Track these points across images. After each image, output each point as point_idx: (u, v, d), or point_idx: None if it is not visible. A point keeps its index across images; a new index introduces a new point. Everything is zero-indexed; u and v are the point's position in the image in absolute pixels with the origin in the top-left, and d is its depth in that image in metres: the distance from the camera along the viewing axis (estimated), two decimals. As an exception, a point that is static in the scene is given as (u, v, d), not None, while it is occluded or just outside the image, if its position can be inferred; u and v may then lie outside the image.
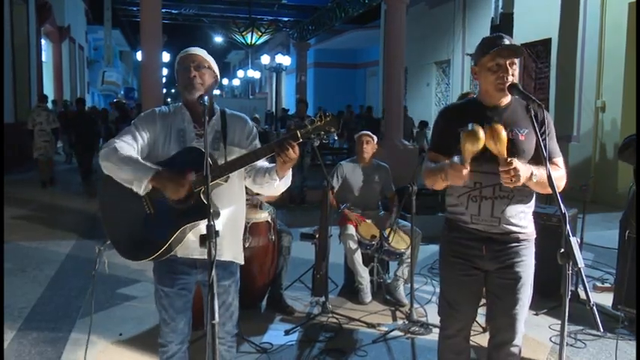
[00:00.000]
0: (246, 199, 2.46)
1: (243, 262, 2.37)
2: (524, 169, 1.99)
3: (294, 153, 2.00)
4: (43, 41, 16.94)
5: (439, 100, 16.19)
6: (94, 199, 9.02)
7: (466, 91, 9.17)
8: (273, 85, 25.39)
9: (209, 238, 1.70)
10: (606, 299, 4.07)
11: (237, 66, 40.01)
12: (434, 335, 3.63)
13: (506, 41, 2.12)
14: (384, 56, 16.78)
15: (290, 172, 2.16)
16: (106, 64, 26.03)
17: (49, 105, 12.28)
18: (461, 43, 14.22)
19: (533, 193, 2.26)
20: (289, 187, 2.26)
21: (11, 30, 12.99)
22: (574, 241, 1.74)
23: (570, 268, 1.74)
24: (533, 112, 2.03)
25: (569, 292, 1.77)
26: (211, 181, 1.98)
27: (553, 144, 2.21)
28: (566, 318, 1.81)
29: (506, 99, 2.22)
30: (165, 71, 17.89)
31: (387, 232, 4.21)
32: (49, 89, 17.11)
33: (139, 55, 23.18)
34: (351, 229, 4.32)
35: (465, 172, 2.01)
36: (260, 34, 20.00)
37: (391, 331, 3.69)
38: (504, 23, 9.14)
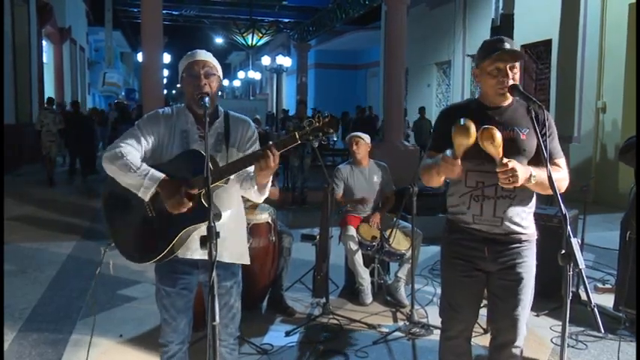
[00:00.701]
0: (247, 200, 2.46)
1: (248, 262, 2.37)
2: (522, 170, 1.98)
3: (272, 161, 1.97)
4: (44, 42, 16.96)
5: (440, 101, 16.19)
6: (92, 199, 9.04)
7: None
8: (273, 86, 25.41)
9: (209, 240, 1.69)
10: (607, 300, 4.07)
11: (238, 67, 40.04)
12: (435, 336, 3.63)
13: (507, 45, 2.11)
14: (384, 57, 16.80)
15: (269, 185, 2.15)
16: (107, 66, 26.05)
17: (54, 107, 12.86)
18: (461, 44, 14.21)
19: (534, 193, 2.25)
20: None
21: (12, 31, 13.00)
22: (575, 242, 1.73)
23: (571, 269, 1.74)
24: (533, 112, 2.03)
25: (570, 294, 1.76)
26: (212, 184, 1.99)
27: (555, 145, 2.20)
28: (567, 319, 1.81)
29: (508, 99, 2.21)
30: (165, 72, 17.90)
31: (387, 233, 4.20)
32: (49, 90, 17.13)
33: (139, 57, 23.23)
34: (352, 230, 4.31)
35: (457, 165, 1.99)
36: (261, 35, 20.02)
37: (392, 332, 3.69)
38: (505, 24, 9.14)
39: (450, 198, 2.34)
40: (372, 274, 4.39)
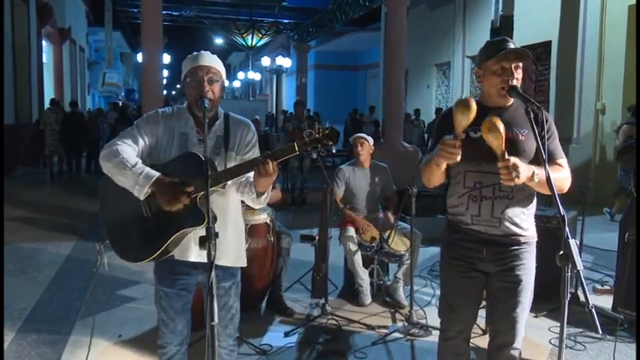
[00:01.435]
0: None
1: (245, 264, 2.37)
2: (524, 167, 1.98)
3: (271, 168, 1.98)
4: (43, 43, 16.93)
5: (439, 102, 16.20)
6: (91, 200, 9.03)
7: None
8: (273, 87, 25.39)
9: (208, 240, 1.69)
10: (606, 302, 4.07)
11: (238, 67, 40.02)
12: (433, 337, 3.63)
13: (511, 45, 2.13)
14: (384, 58, 16.80)
15: (267, 194, 2.16)
16: (106, 66, 26.04)
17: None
18: (461, 46, 14.22)
19: (534, 195, 2.26)
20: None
21: (12, 31, 12.99)
22: (573, 244, 1.74)
23: (569, 271, 1.74)
24: (532, 114, 2.03)
25: (569, 295, 1.77)
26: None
27: (556, 145, 2.20)
28: (566, 320, 1.81)
29: (509, 101, 2.22)
30: (165, 73, 17.90)
31: (386, 234, 4.21)
32: (49, 91, 17.11)
33: (139, 57, 23.22)
34: (351, 231, 4.32)
35: (458, 146, 1.98)
36: (260, 35, 20.02)
37: (391, 333, 3.69)
38: (504, 26, 9.15)
39: (449, 199, 2.34)
40: (371, 275, 4.39)
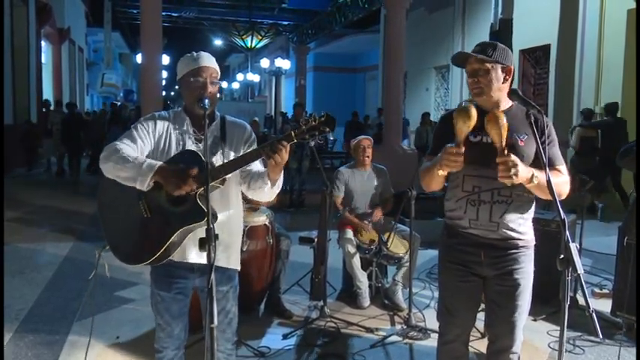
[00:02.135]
0: (245, 202, 2.45)
1: (239, 268, 2.36)
2: (524, 168, 1.97)
3: (284, 154, 1.99)
4: (42, 43, 16.91)
5: (438, 105, 16.21)
6: (89, 201, 9.02)
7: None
8: (272, 88, 25.38)
9: (208, 242, 1.68)
10: (605, 305, 4.06)
11: (237, 69, 40.00)
12: (432, 340, 3.63)
13: (477, 48, 2.21)
14: (383, 61, 16.80)
15: (281, 177, 2.14)
16: (105, 67, 26.01)
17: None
18: (460, 48, 14.22)
19: (533, 200, 2.25)
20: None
21: (11, 31, 12.99)
22: (574, 247, 1.73)
23: (570, 274, 1.74)
24: (533, 117, 2.03)
25: (569, 298, 1.76)
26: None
27: (555, 151, 2.20)
28: (566, 324, 1.80)
29: (507, 104, 2.22)
30: (164, 74, 17.88)
31: (385, 236, 4.20)
32: (48, 91, 17.11)
33: (138, 58, 23.18)
34: (350, 234, 4.31)
35: (460, 154, 1.99)
36: (260, 37, 20.02)
37: (389, 335, 3.68)
38: (504, 29, 9.14)
39: (447, 202, 2.34)
40: (369, 278, 4.39)
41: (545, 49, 11.00)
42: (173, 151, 2.16)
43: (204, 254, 2.18)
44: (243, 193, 2.32)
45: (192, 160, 2.03)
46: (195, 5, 18.30)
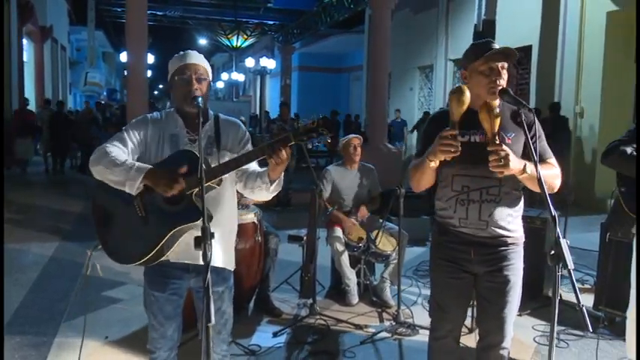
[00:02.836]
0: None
1: (233, 268, 2.34)
2: (515, 158, 1.98)
3: (286, 154, 1.98)
4: (24, 41, 16.63)
5: (422, 104, 16.29)
6: (74, 201, 8.90)
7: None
8: (257, 88, 25.27)
9: (204, 240, 1.66)
10: (586, 300, 4.13)
11: (222, 68, 39.72)
12: (421, 336, 3.65)
13: (496, 46, 2.15)
14: (368, 61, 16.84)
15: (282, 176, 2.13)
16: (89, 65, 25.66)
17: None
18: (444, 49, 14.34)
19: (521, 197, 2.27)
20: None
21: (-8, 29, 12.75)
22: (564, 243, 1.76)
23: (560, 270, 1.76)
24: (524, 116, 2.05)
25: (559, 294, 1.78)
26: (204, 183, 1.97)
27: (544, 145, 2.21)
28: (556, 319, 1.83)
29: (495, 103, 2.23)
30: (149, 73, 17.71)
31: (373, 234, 4.21)
32: (30, 90, 16.80)
33: (122, 57, 22.92)
34: (339, 232, 4.32)
35: (455, 137, 1.97)
36: (246, 37, 19.93)
37: (379, 332, 3.69)
38: (487, 30, 9.22)
39: (438, 202, 2.34)
40: (358, 275, 4.39)
41: (527, 50, 11.11)
42: (167, 153, 2.13)
43: (199, 254, 2.18)
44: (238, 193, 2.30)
45: (187, 160, 2.01)
46: (180, 4, 18.12)
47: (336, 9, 16.43)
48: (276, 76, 24.47)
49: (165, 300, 2.21)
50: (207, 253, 1.65)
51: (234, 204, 2.32)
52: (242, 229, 3.77)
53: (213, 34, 20.41)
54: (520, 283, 2.30)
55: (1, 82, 11.34)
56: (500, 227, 2.21)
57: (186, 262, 2.16)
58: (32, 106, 14.80)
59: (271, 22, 20.94)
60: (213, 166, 2.06)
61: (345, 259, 4.29)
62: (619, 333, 3.57)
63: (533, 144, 1.99)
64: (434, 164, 2.08)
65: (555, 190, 2.11)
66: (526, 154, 2.10)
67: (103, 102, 21.20)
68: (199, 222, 2.01)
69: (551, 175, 2.13)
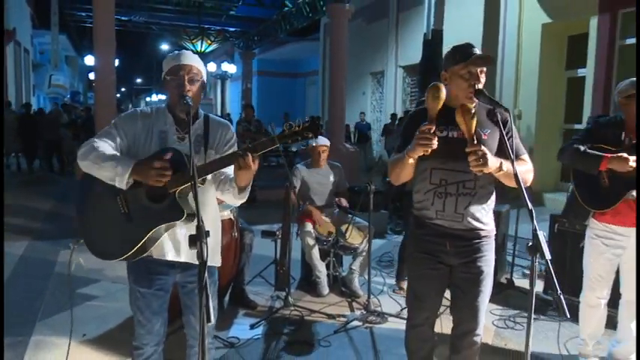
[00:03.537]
0: None
1: (219, 264, 2.22)
2: (492, 157, 1.96)
3: (250, 161, 1.86)
4: (-13, 44, 15.64)
5: (374, 107, 16.41)
6: (43, 200, 8.43)
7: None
8: (217, 91, 24.78)
9: (199, 239, 1.55)
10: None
11: (183, 73, 38.79)
12: (390, 324, 3.63)
13: (477, 51, 2.11)
14: (325, 66, 16.81)
15: (248, 189, 2.02)
16: (52, 68, 24.43)
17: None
18: (394, 56, 14.48)
19: (493, 192, 2.26)
20: None
21: (-47, 31, 11.93)
22: (542, 235, 1.73)
23: (536, 260, 1.74)
24: (500, 115, 2.03)
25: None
26: (188, 182, 1.85)
27: (517, 142, 2.20)
28: (533, 307, 1.80)
29: (473, 102, 2.20)
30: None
31: (343, 228, 4.15)
32: (-7, 91, 15.84)
33: (86, 60, 21.96)
34: (309, 227, 4.23)
35: (432, 132, 1.94)
36: (210, 42, 19.47)
37: (351, 321, 3.63)
38: (435, 38, 9.34)
39: (416, 195, 2.30)
40: (327, 267, 4.32)
41: (470, 57, 11.36)
42: (154, 149, 1.99)
43: (182, 252, 2.05)
44: None
45: (173, 157, 1.89)
46: (145, 10, 17.50)
47: (295, 17, 16.27)
48: (236, 80, 24.09)
49: (152, 296, 2.08)
50: (203, 252, 1.54)
51: (216, 202, 2.20)
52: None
53: (178, 39, 19.82)
54: (492, 273, 2.28)
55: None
56: (476, 219, 2.18)
57: (167, 259, 2.03)
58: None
59: (233, 29, 20.54)
60: (199, 164, 1.94)
61: (315, 252, 4.21)
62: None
63: (508, 139, 1.98)
64: (412, 160, 2.05)
65: (529, 184, 2.10)
66: (501, 150, 2.08)
67: (67, 103, 20.26)
68: (182, 220, 1.90)
69: (525, 170, 2.12)
